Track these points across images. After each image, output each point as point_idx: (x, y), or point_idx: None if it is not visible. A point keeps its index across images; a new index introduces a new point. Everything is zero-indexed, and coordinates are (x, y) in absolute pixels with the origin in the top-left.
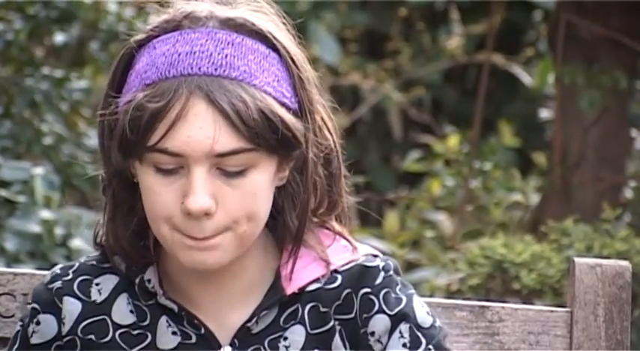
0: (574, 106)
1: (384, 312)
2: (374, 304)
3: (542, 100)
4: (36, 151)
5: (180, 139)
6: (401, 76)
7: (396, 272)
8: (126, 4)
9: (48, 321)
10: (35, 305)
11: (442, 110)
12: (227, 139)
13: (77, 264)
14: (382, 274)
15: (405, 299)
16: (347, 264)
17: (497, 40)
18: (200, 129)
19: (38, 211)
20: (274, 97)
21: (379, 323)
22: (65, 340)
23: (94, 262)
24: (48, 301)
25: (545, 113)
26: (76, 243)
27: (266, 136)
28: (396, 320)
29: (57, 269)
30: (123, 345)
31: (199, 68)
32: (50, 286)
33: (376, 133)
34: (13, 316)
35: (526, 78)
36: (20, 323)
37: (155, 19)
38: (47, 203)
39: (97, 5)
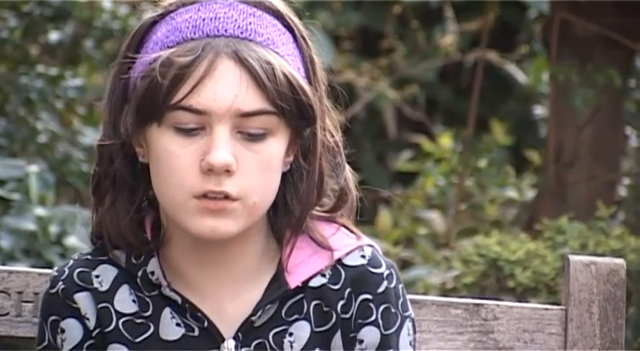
0: (568, 105)
1: (379, 327)
2: (371, 314)
3: (536, 98)
4: (31, 149)
5: (207, 96)
6: (395, 74)
7: (398, 280)
8: (120, 2)
9: (71, 324)
10: (54, 317)
11: (436, 108)
12: (253, 99)
13: (71, 261)
14: (385, 283)
15: (399, 321)
16: (351, 252)
17: (492, 38)
18: (227, 86)
19: (33, 209)
20: (293, 68)
21: (371, 335)
22: (95, 333)
23: (89, 256)
24: (62, 307)
25: (539, 111)
26: (71, 241)
27: (289, 100)
28: (385, 343)
29: (53, 272)
30: (126, 334)
31: (225, 30)
32: (53, 290)
33: (371, 131)
34: (7, 314)
35: (520, 76)
36: (40, 347)
37: None
38: (42, 201)
39: (91, 3)
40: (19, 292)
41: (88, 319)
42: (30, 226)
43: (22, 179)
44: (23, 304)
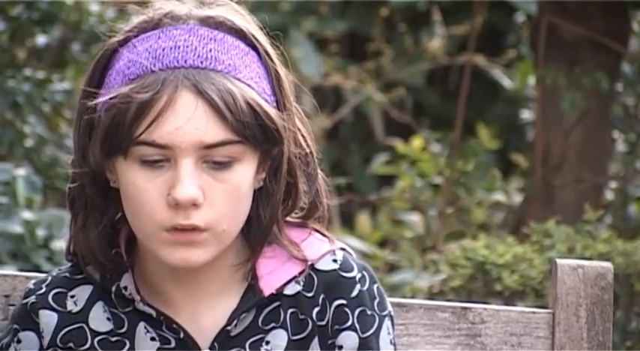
0: (555, 108)
1: (356, 331)
2: (348, 318)
3: (523, 102)
4: (18, 152)
5: (168, 131)
6: (382, 78)
7: (372, 281)
8: (107, 6)
9: (29, 337)
10: (15, 326)
11: (424, 112)
12: (215, 131)
13: (50, 278)
14: (358, 286)
15: (377, 322)
16: (323, 257)
17: (479, 41)
18: (188, 120)
19: (20, 213)
20: (257, 92)
21: (349, 340)
22: None
23: (67, 274)
24: (25, 318)
25: (526, 115)
26: (58, 244)
27: (252, 128)
28: (365, 345)
29: (30, 284)
30: None
31: (185, 61)
32: (25, 301)
33: (358, 134)
34: None
35: (507, 80)
36: None
37: (133, 20)
38: (29, 204)
39: (78, 6)
40: (6, 296)
41: (43, 337)
42: (17, 229)
43: (9, 182)
44: (10, 307)
